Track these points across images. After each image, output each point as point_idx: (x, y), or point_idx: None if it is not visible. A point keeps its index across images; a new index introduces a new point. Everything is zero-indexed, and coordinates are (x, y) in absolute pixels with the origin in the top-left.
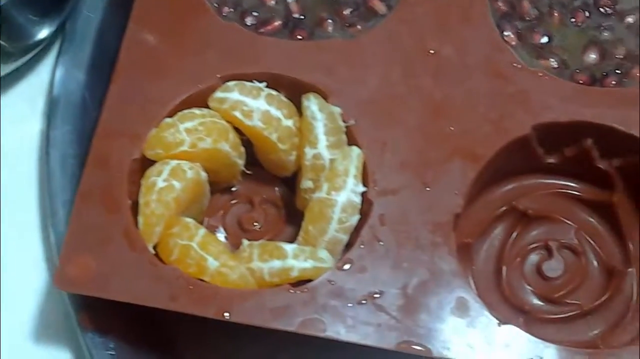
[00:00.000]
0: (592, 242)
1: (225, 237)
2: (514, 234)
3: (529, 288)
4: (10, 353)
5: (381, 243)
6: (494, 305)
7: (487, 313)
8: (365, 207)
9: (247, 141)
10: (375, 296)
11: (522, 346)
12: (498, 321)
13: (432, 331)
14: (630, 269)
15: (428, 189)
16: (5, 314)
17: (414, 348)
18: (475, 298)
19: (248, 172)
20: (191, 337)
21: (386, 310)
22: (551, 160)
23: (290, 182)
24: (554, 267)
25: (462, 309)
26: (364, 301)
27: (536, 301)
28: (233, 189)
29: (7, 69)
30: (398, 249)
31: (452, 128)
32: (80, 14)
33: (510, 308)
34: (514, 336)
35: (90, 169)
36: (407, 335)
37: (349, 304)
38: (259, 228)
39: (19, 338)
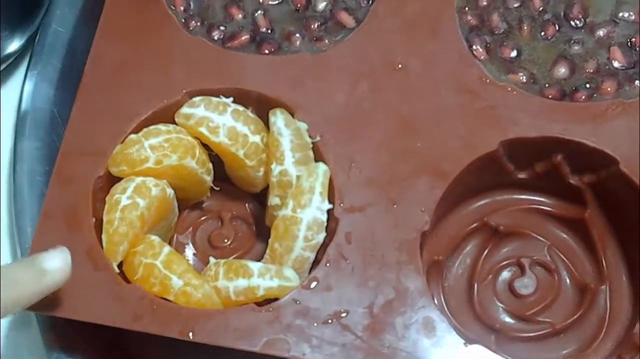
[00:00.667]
0: (564, 259)
1: (194, 255)
2: (486, 251)
3: (500, 305)
4: None
5: (347, 261)
6: (465, 323)
7: (454, 333)
8: (332, 224)
9: (216, 156)
10: (342, 315)
11: None
12: (465, 341)
13: (398, 351)
14: (602, 286)
15: (395, 206)
16: None
17: None
18: (441, 317)
19: (216, 188)
20: (158, 357)
21: (352, 330)
22: (522, 176)
23: (261, 198)
24: (526, 284)
25: (428, 328)
26: (329, 321)
27: (508, 319)
28: (203, 205)
29: None
30: (364, 268)
31: (419, 144)
32: (50, 28)
33: (481, 326)
34: (482, 356)
35: (54, 187)
36: (372, 355)
37: (314, 324)
38: (229, 245)
39: None
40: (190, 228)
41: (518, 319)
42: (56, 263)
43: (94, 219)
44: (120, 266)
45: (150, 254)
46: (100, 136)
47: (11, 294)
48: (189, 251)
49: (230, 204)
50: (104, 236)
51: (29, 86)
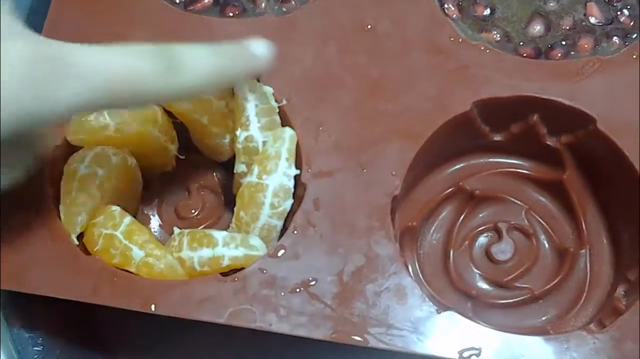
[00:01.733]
0: (543, 222)
1: (161, 226)
2: (462, 217)
3: (477, 271)
4: None
5: (315, 228)
6: (441, 291)
7: (427, 299)
8: (299, 191)
9: (180, 124)
10: (310, 283)
11: (464, 333)
12: (437, 308)
13: (369, 319)
14: (582, 251)
15: (364, 170)
16: None
17: (350, 338)
18: (414, 284)
19: (181, 157)
20: (122, 330)
21: (320, 298)
22: (498, 138)
23: (228, 167)
24: (503, 249)
25: (400, 295)
26: (297, 290)
27: (485, 286)
28: (169, 175)
29: None
30: (333, 234)
31: (390, 107)
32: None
33: (457, 294)
34: (455, 322)
35: None
36: (342, 324)
37: (282, 293)
38: (197, 216)
39: None
40: (156, 199)
41: (495, 286)
42: (265, 51)
43: (50, 190)
44: (80, 237)
45: (111, 225)
46: None
47: (231, 70)
48: (155, 223)
49: (197, 174)
50: (61, 207)
51: None
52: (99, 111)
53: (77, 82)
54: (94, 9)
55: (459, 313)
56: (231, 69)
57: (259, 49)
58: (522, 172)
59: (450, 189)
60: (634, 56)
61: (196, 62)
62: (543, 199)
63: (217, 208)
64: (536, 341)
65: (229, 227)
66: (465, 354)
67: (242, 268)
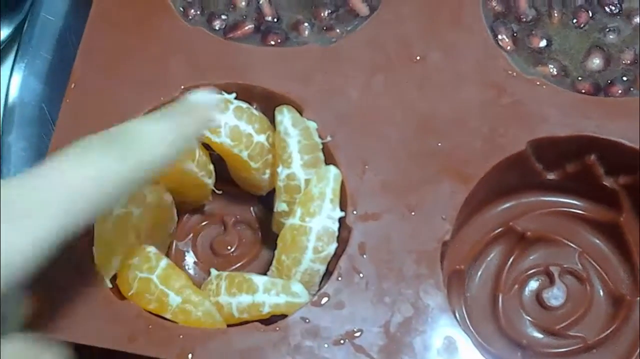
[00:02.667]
0: (597, 267)
1: (195, 263)
2: (511, 259)
3: (527, 318)
4: None
5: (361, 275)
6: (489, 338)
7: (477, 352)
8: (344, 234)
9: (218, 156)
10: (355, 335)
11: None
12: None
13: None
14: (639, 298)
15: (413, 213)
16: None
17: None
18: (464, 336)
19: (218, 191)
20: None
21: (366, 351)
22: (552, 177)
23: (266, 201)
24: (555, 295)
25: (450, 349)
26: (341, 341)
27: (535, 334)
28: (204, 209)
29: None
30: (379, 282)
31: (440, 144)
32: (39, 16)
33: (507, 341)
34: None
35: None
36: None
37: (325, 345)
38: (233, 252)
39: None
40: (191, 234)
41: (547, 334)
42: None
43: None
44: (113, 279)
45: (146, 268)
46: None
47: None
48: (190, 259)
49: (234, 208)
50: (95, 248)
51: (16, 80)
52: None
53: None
54: (130, 33)
55: None
56: (184, 133)
57: (202, 101)
58: (576, 213)
59: (500, 230)
60: None
61: (148, 139)
62: (598, 242)
63: (254, 245)
64: None
65: (267, 265)
66: None
67: (283, 316)
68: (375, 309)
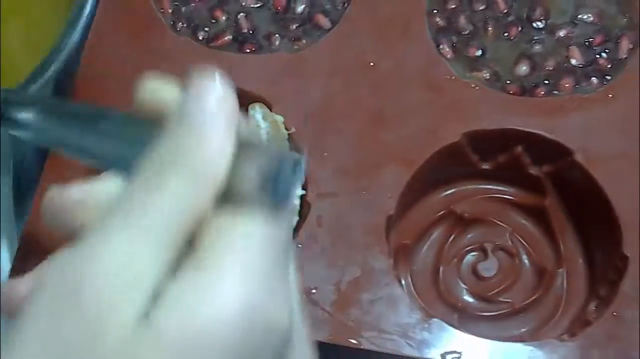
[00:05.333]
0: (525, 243)
1: None
2: (452, 236)
3: (464, 286)
4: None
5: (318, 243)
6: (430, 303)
7: (415, 309)
8: (304, 209)
9: None
10: (312, 291)
11: (447, 339)
12: (425, 316)
13: (362, 324)
14: (560, 270)
15: (363, 192)
16: None
17: (346, 341)
18: (404, 294)
19: None
20: None
21: (320, 305)
22: (486, 166)
23: None
24: (488, 267)
25: (391, 304)
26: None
27: (470, 299)
28: None
29: None
30: (333, 249)
31: (388, 136)
32: None
33: (445, 306)
34: (440, 329)
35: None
36: (338, 328)
37: None
38: None
39: None
40: None
41: (480, 299)
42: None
43: None
44: None
45: None
46: None
47: None
48: None
49: None
50: None
51: None
52: None
53: None
54: (127, 44)
55: (445, 322)
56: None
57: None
58: (507, 198)
59: (442, 212)
60: (610, 95)
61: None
62: (526, 223)
63: None
64: (512, 347)
65: None
66: (449, 357)
67: None
68: (328, 271)
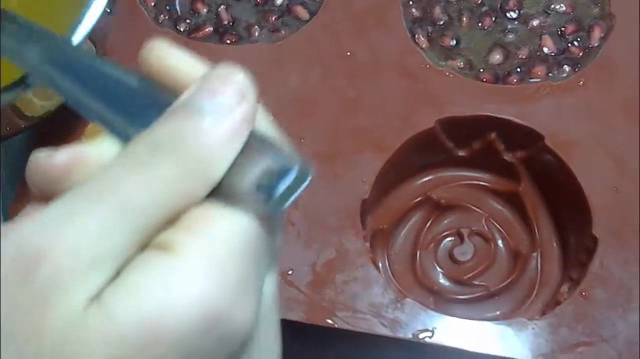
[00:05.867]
0: (500, 228)
1: None
2: (429, 222)
3: (440, 270)
4: None
5: (294, 226)
6: (408, 286)
7: (389, 289)
8: None
9: None
10: (288, 273)
11: (420, 318)
12: (399, 296)
13: (337, 304)
14: (534, 253)
15: (339, 177)
16: None
17: (321, 320)
18: (379, 275)
19: None
20: None
21: (296, 285)
22: (462, 153)
23: None
24: (464, 251)
25: (365, 285)
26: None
27: (446, 283)
28: None
29: None
30: (309, 231)
31: (363, 123)
32: None
33: (422, 289)
34: (413, 309)
35: None
36: (313, 308)
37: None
38: None
39: None
40: None
41: (456, 283)
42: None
43: None
44: None
45: None
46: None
47: None
48: None
49: None
50: None
51: None
52: None
53: None
54: (112, 36)
55: (419, 303)
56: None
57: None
58: (482, 185)
59: (419, 198)
60: (581, 82)
61: None
62: (501, 208)
63: None
64: (483, 325)
65: None
66: (421, 336)
67: None
68: (304, 252)
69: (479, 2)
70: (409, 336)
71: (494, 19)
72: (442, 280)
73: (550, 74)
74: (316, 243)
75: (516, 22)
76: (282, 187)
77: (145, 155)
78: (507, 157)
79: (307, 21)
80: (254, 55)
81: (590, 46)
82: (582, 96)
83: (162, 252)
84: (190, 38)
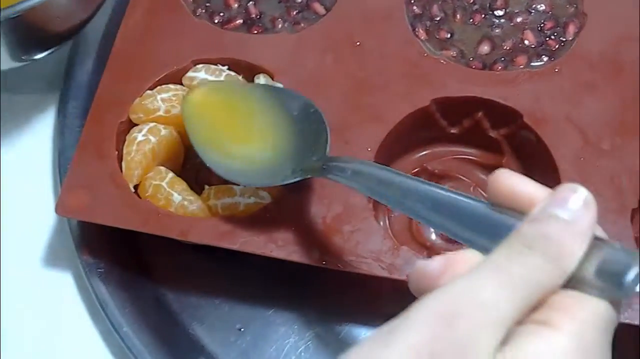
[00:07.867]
0: (485, 196)
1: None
2: None
3: (432, 230)
4: (21, 273)
5: (308, 186)
6: (404, 242)
7: (389, 238)
8: None
9: None
10: (302, 224)
11: (413, 261)
12: (397, 244)
13: (344, 251)
14: None
15: (347, 144)
16: (18, 242)
17: (332, 265)
18: (379, 227)
19: None
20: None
21: (310, 235)
22: (454, 131)
23: None
24: None
25: (367, 234)
26: (292, 228)
27: (438, 240)
28: None
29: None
30: (321, 189)
31: (369, 100)
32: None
33: (416, 245)
34: (408, 256)
35: (89, 128)
36: (325, 254)
37: (281, 230)
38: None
39: (31, 261)
40: (195, 170)
41: (446, 241)
42: None
43: (116, 152)
44: (135, 188)
45: (159, 178)
46: (124, 91)
47: None
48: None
49: None
50: (123, 164)
51: (73, 61)
52: None
53: None
54: (154, 25)
55: (412, 251)
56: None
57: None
58: (471, 159)
59: (416, 169)
60: (556, 69)
61: None
62: (486, 178)
63: None
64: None
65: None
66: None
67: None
68: (316, 207)
69: (471, 1)
70: (404, 277)
71: (483, 15)
72: (434, 237)
73: (530, 63)
74: (327, 199)
75: (502, 19)
76: (632, 275)
77: (522, 247)
78: (492, 134)
79: (323, 15)
80: (277, 43)
81: (565, 40)
82: (556, 81)
83: (543, 326)
84: (223, 29)
